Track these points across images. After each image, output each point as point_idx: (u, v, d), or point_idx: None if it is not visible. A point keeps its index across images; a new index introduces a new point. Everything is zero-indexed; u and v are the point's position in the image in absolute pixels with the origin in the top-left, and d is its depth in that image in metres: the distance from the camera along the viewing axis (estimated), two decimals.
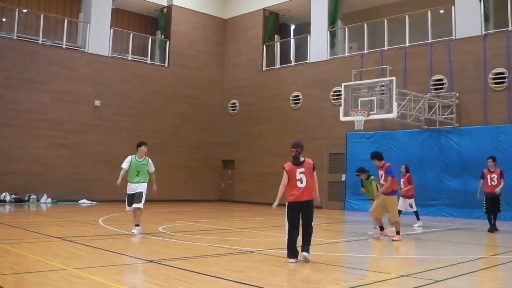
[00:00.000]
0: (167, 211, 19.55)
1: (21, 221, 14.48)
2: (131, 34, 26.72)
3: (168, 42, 27.72)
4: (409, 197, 15.39)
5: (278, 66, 27.55)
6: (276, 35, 28.43)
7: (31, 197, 21.90)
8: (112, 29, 25.65)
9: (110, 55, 25.43)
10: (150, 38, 27.65)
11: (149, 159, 11.81)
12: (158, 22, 28.69)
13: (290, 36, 30.16)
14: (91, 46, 24.82)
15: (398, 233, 11.44)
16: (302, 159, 8.42)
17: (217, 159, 28.98)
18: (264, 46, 27.99)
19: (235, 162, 28.26)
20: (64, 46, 24.21)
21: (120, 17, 27.48)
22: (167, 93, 27.06)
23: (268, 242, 11.17)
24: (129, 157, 11.73)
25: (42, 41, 23.64)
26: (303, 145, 8.54)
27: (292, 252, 8.12)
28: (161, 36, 28.23)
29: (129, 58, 26.32)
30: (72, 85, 23.76)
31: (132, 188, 11.55)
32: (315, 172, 8.47)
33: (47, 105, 22.98)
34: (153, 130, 25.96)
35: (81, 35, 25.49)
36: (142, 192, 11.52)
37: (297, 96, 25.75)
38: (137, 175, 11.60)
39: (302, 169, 8.32)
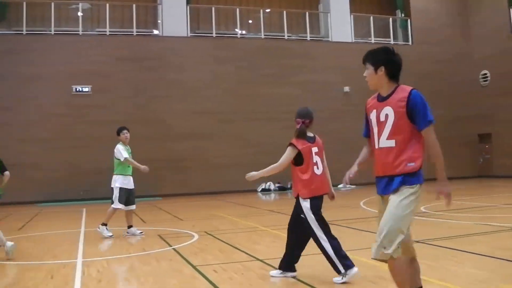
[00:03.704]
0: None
1: (286, 208, 15.41)
2: (371, 17, 26.72)
3: (409, 20, 27.12)
4: None
5: None
6: None
7: None
8: (352, 15, 25.94)
9: (353, 40, 25.76)
10: (390, 19, 27.36)
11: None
12: (396, 1, 28.20)
13: None
14: (334, 34, 25.42)
15: None
16: (311, 134, 6.16)
17: (472, 134, 27.52)
18: (511, 9, 25.81)
19: (492, 135, 26.53)
20: (308, 38, 25.18)
21: (358, 2, 27.59)
22: (413, 72, 26.30)
23: None
24: (122, 146, 9.98)
25: (288, 36, 24.89)
26: (313, 114, 6.14)
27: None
28: (401, 15, 27.73)
29: (372, 41, 26.35)
30: (319, 75, 24.59)
31: (131, 182, 10.19)
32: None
33: (297, 96, 24.03)
34: None
35: (323, 25, 26.27)
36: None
37: None
38: (129, 166, 10.14)
39: (316, 149, 6.09)
